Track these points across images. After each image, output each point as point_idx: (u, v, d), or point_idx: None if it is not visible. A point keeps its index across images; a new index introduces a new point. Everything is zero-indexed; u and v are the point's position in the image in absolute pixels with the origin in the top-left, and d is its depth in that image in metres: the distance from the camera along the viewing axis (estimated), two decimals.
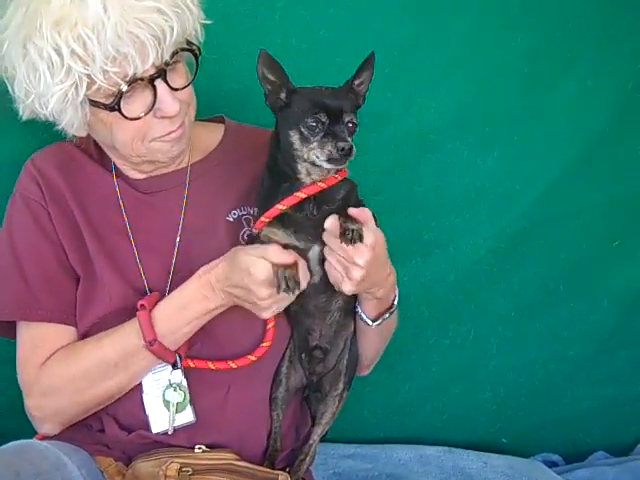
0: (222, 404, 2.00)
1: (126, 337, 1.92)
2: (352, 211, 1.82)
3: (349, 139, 1.79)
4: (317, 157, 1.80)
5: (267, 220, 1.87)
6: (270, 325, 1.98)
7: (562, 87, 2.54)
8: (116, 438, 1.99)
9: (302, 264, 1.85)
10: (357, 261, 1.82)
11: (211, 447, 1.98)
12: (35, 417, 1.99)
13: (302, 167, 1.85)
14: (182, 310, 1.92)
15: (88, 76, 1.75)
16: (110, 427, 2.00)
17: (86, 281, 1.98)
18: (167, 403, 1.97)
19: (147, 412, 1.97)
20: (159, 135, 1.89)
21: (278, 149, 1.89)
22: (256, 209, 1.98)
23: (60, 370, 1.94)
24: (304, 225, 1.87)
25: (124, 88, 1.78)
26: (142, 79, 1.79)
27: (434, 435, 2.74)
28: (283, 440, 2.10)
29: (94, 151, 2.08)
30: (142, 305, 1.91)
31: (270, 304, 1.86)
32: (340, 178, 1.88)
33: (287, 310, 1.99)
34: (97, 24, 1.71)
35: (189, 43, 1.88)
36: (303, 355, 2.10)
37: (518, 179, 2.57)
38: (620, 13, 2.52)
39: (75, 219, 2.00)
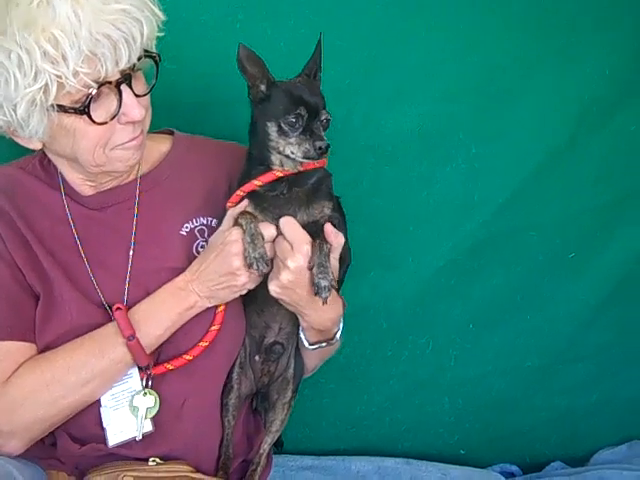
0: (177, 414, 1.99)
1: (103, 339, 1.92)
2: (328, 228, 1.89)
3: (324, 137, 1.86)
4: (293, 152, 1.88)
5: (242, 194, 1.95)
6: (214, 327, 1.98)
7: (519, 102, 2.57)
8: (69, 452, 1.97)
9: (269, 245, 1.91)
10: (288, 263, 1.87)
11: (165, 459, 1.98)
12: (2, 433, 1.91)
13: (276, 158, 1.93)
14: (158, 309, 1.94)
15: (59, 78, 1.73)
16: (63, 440, 1.97)
17: (45, 298, 1.96)
18: (135, 409, 1.95)
19: (105, 425, 1.95)
20: (121, 142, 1.88)
21: (254, 138, 1.96)
22: (210, 218, 2.05)
23: (31, 379, 1.90)
24: (273, 204, 1.93)
25: (93, 92, 1.77)
26: (110, 83, 1.79)
27: (393, 447, 2.75)
28: (235, 449, 2.10)
29: (40, 171, 2.06)
30: (118, 307, 1.92)
31: (246, 274, 1.91)
32: (317, 165, 1.94)
33: (245, 306, 2.05)
34: (69, 25, 1.70)
35: (147, 50, 1.87)
36: (257, 357, 2.11)
37: (476, 192, 2.60)
38: (577, 28, 2.56)
39: (26, 238, 1.98)
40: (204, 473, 1.99)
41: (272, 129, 1.90)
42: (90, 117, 1.79)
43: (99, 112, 1.81)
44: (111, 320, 1.95)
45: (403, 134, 2.53)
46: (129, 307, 1.95)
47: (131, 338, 1.89)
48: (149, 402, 1.96)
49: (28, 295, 1.96)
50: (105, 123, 1.82)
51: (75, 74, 1.73)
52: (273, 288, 1.92)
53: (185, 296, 1.95)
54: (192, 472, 1.97)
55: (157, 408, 1.96)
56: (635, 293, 2.78)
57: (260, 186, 1.94)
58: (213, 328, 1.98)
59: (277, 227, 1.91)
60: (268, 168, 1.94)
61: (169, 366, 1.96)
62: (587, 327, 2.77)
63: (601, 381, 2.84)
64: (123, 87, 1.82)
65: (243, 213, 1.92)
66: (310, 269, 1.89)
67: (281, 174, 1.92)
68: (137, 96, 1.85)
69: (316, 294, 1.88)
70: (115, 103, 1.83)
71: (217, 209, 2.06)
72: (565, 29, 2.55)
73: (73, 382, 1.90)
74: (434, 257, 2.62)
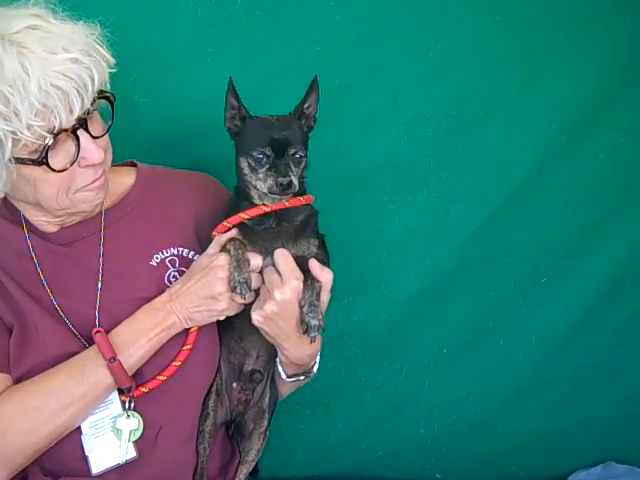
0: (153, 441, 2.00)
1: (83, 363, 1.92)
2: (312, 263, 1.93)
3: (292, 173, 1.89)
4: (261, 187, 1.92)
5: (229, 225, 1.97)
6: (187, 347, 2.00)
7: (489, 129, 2.60)
8: None
9: (255, 275, 1.94)
10: (275, 294, 1.90)
11: None
12: None
13: (254, 193, 1.97)
14: (136, 331, 1.95)
15: (13, 134, 1.73)
16: (34, 475, 1.97)
17: (19, 328, 1.96)
18: (118, 432, 1.96)
19: (87, 453, 1.95)
20: (83, 185, 1.89)
21: (236, 172, 2.00)
22: (181, 248, 2.08)
23: (10, 408, 1.89)
24: (262, 237, 1.96)
25: (49, 141, 1.77)
26: (66, 130, 1.79)
27: (369, 472, 2.77)
28: (210, 474, 2.10)
29: (3, 209, 2.05)
30: (98, 330, 1.94)
31: (227, 300, 1.94)
32: (304, 202, 1.99)
33: (221, 335, 2.07)
34: (17, 81, 1.70)
35: (102, 91, 1.87)
36: (234, 384, 2.12)
37: (448, 218, 2.63)
38: (545, 57, 2.59)
39: None
40: None
41: (244, 164, 1.96)
42: (49, 166, 1.79)
43: (58, 159, 1.81)
44: (85, 347, 1.96)
45: (374, 162, 2.57)
46: (107, 331, 1.96)
47: (112, 360, 1.90)
48: (132, 424, 1.97)
49: (0, 326, 1.96)
50: (65, 170, 1.82)
51: (29, 128, 1.73)
52: (256, 317, 1.94)
53: (163, 317, 1.96)
54: None
55: (141, 430, 1.97)
56: (606, 315, 2.81)
57: (247, 219, 1.96)
58: (185, 347, 2.00)
59: (263, 259, 1.94)
60: (252, 203, 1.97)
61: (143, 389, 1.97)
62: (560, 351, 2.80)
63: (576, 403, 2.86)
64: (80, 132, 1.82)
65: (232, 239, 1.94)
66: (301, 307, 1.92)
67: (268, 209, 1.95)
68: (95, 138, 1.86)
69: (305, 332, 1.91)
70: (73, 148, 1.82)
71: (186, 239, 2.10)
72: (533, 58, 2.58)
73: (54, 407, 1.90)
74: (407, 283, 2.65)
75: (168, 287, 2.03)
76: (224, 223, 1.98)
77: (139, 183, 2.15)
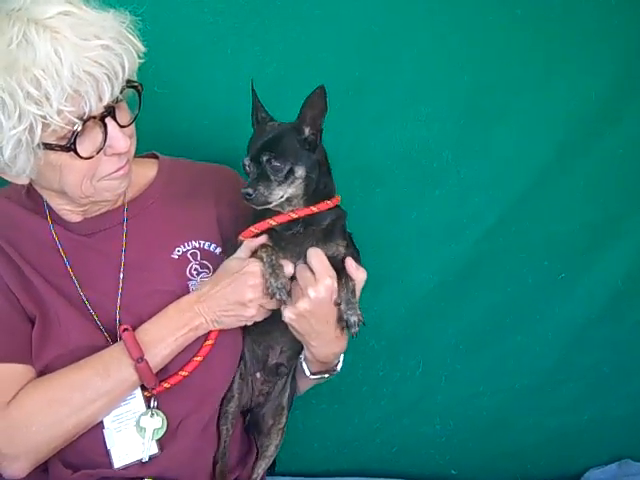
0: (173, 434, 1.99)
1: (110, 360, 1.93)
2: (349, 262, 1.94)
3: (261, 184, 1.85)
4: None
5: (256, 231, 1.96)
6: (208, 342, 2.00)
7: (507, 124, 2.59)
8: (60, 477, 1.96)
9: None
10: (309, 292, 1.89)
11: (159, 479, 1.98)
12: (6, 456, 1.90)
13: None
14: (164, 330, 1.95)
15: (43, 118, 1.73)
16: (54, 467, 1.97)
17: (41, 320, 1.96)
18: (142, 430, 1.97)
19: (108, 447, 1.96)
20: (108, 173, 1.89)
21: None
22: (202, 241, 2.07)
23: (34, 401, 1.90)
24: (291, 242, 1.95)
25: (78, 128, 1.77)
26: (95, 117, 1.79)
27: (384, 467, 2.76)
28: (229, 463, 2.11)
29: (26, 200, 2.06)
30: (125, 328, 1.94)
31: (256, 307, 1.94)
32: (332, 205, 1.97)
33: (244, 328, 2.05)
34: (50, 65, 1.70)
35: (130, 80, 1.88)
36: (258, 374, 2.12)
37: (465, 214, 2.62)
38: (564, 51, 2.58)
39: (17, 264, 1.98)
40: None
41: None
42: (76, 153, 1.80)
43: (85, 146, 1.81)
44: (107, 340, 1.97)
45: (392, 156, 2.56)
46: (132, 328, 1.96)
47: (140, 360, 1.91)
48: (156, 423, 1.98)
49: (22, 318, 1.96)
50: (91, 157, 1.83)
51: (59, 113, 1.73)
52: (289, 315, 1.93)
53: (191, 317, 1.96)
54: None
55: (164, 429, 1.98)
56: (623, 312, 2.80)
57: (275, 226, 1.95)
58: (207, 343, 2.00)
59: (294, 265, 1.93)
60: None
61: (166, 384, 1.97)
62: (577, 347, 2.79)
63: (591, 401, 2.85)
64: (107, 120, 1.82)
65: (264, 246, 1.93)
66: (338, 305, 1.93)
67: (295, 216, 1.93)
68: (122, 127, 1.86)
69: (344, 329, 1.94)
70: (100, 136, 1.83)
71: (207, 232, 2.09)
72: (552, 52, 2.57)
73: (77, 401, 1.91)
74: (424, 279, 2.64)
75: (189, 280, 2.04)
76: (251, 229, 1.96)
77: (161, 175, 2.16)
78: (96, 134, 1.83)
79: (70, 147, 1.79)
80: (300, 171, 1.89)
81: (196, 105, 2.39)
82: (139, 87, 1.91)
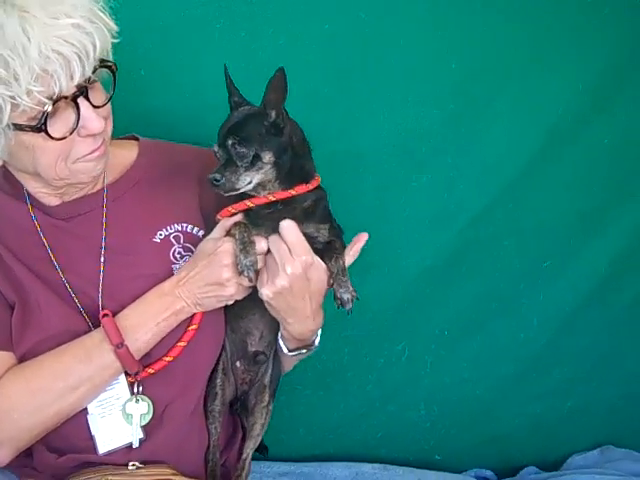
0: (159, 419, 1.98)
1: (90, 346, 1.90)
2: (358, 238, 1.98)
3: (228, 170, 1.81)
4: None
5: (233, 211, 1.92)
6: (192, 327, 1.97)
7: (495, 111, 2.58)
8: (45, 462, 1.96)
9: (261, 257, 1.90)
10: (287, 269, 1.87)
11: (146, 463, 1.97)
12: None
13: None
14: (144, 315, 1.92)
15: (12, 98, 1.69)
16: (38, 452, 1.96)
17: (21, 306, 1.93)
18: (128, 417, 1.95)
19: (93, 433, 1.94)
20: (83, 154, 1.85)
21: None
22: (185, 224, 2.05)
23: (17, 388, 1.87)
24: (267, 219, 1.91)
25: (49, 108, 1.73)
26: (66, 97, 1.76)
27: (369, 453, 2.76)
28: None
29: (4, 184, 2.02)
30: (105, 314, 1.90)
31: (235, 286, 1.91)
32: (310, 187, 1.93)
33: (225, 312, 2.04)
34: (18, 45, 1.67)
35: (103, 60, 1.83)
36: (238, 363, 2.10)
37: (453, 200, 2.61)
38: (553, 41, 2.58)
39: None
40: (187, 477, 1.99)
41: None
42: (47, 133, 1.76)
43: (57, 127, 1.78)
44: (89, 325, 1.94)
45: (379, 142, 2.54)
46: (114, 313, 1.94)
47: (120, 346, 1.88)
48: (142, 408, 1.96)
49: (2, 304, 1.93)
50: (64, 138, 1.79)
51: (28, 93, 1.69)
52: (265, 292, 1.90)
53: (172, 301, 1.94)
54: (174, 474, 1.96)
55: (151, 414, 1.96)
56: (609, 299, 2.82)
57: (252, 207, 1.91)
58: (191, 328, 1.97)
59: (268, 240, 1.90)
60: None
61: (150, 370, 1.95)
62: (562, 334, 2.80)
63: (576, 387, 2.87)
64: (80, 100, 1.78)
65: (237, 224, 1.91)
66: (331, 286, 1.92)
67: (273, 198, 1.89)
68: (95, 107, 1.82)
69: (339, 307, 1.91)
70: (73, 117, 1.78)
71: (190, 215, 2.07)
72: (541, 42, 2.56)
73: (60, 389, 1.88)
74: (410, 264, 2.64)
75: (173, 263, 2.02)
76: (228, 208, 1.93)
77: (142, 157, 2.11)
78: (69, 115, 1.78)
79: (40, 128, 1.75)
80: (267, 156, 1.85)
81: (182, 89, 2.37)
82: (113, 67, 1.86)
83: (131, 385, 1.97)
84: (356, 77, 2.49)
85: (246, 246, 1.87)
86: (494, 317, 2.74)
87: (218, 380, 2.08)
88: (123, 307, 1.95)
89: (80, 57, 1.72)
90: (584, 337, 2.82)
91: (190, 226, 2.07)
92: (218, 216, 1.96)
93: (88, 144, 1.85)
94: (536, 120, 2.62)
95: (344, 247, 1.98)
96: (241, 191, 1.86)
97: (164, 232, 2.05)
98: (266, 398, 2.16)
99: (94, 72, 1.79)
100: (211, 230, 1.98)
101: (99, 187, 2.04)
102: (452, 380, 2.77)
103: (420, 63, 2.51)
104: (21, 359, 1.93)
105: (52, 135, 1.76)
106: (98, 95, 1.85)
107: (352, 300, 1.92)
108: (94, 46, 1.75)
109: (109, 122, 1.91)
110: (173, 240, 2.05)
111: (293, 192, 1.91)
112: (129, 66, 1.94)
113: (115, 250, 2.00)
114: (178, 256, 2.04)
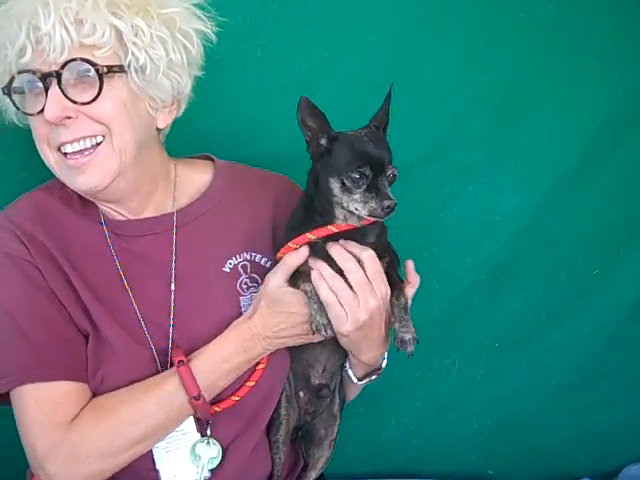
0: (223, 458, 1.94)
1: (169, 394, 1.84)
2: (411, 267, 1.91)
3: (391, 195, 1.77)
4: (357, 209, 1.77)
5: (294, 247, 1.85)
6: (260, 366, 1.93)
7: (536, 122, 2.57)
8: None
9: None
10: (370, 302, 1.81)
11: None
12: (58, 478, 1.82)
13: (340, 212, 1.84)
14: (222, 364, 1.87)
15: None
16: None
17: (94, 337, 1.87)
18: (196, 457, 1.90)
19: (157, 467, 1.91)
20: (58, 142, 1.80)
21: (316, 190, 1.86)
22: (254, 254, 2.00)
23: (98, 432, 1.82)
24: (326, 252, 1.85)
25: (15, 75, 1.77)
26: (34, 73, 1.75)
27: (421, 468, 2.74)
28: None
29: (74, 197, 1.96)
30: (181, 361, 1.84)
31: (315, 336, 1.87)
32: (374, 220, 1.85)
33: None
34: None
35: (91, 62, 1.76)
36: (301, 393, 2.06)
37: (498, 211, 2.60)
38: (592, 47, 2.56)
39: (65, 272, 1.88)
40: None
41: (335, 185, 1.79)
42: (13, 102, 1.81)
43: (31, 104, 1.80)
44: (157, 362, 1.89)
45: (423, 153, 2.53)
46: (178, 346, 1.88)
47: (197, 397, 1.83)
48: (213, 452, 1.92)
49: (75, 332, 1.87)
50: (31, 114, 1.80)
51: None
52: (347, 328, 1.82)
53: (251, 347, 1.89)
54: None
55: (220, 458, 1.92)
56: None
57: (315, 240, 1.84)
58: (259, 367, 1.93)
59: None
60: (329, 221, 1.84)
61: (216, 408, 1.90)
62: (612, 344, 2.77)
63: (628, 397, 2.84)
64: (52, 83, 1.75)
65: (306, 278, 1.83)
66: (392, 324, 1.87)
67: (336, 230, 1.83)
68: (69, 98, 1.76)
69: (399, 349, 1.86)
70: (44, 99, 1.77)
71: (261, 244, 2.01)
72: (580, 51, 2.55)
73: (137, 435, 1.84)
74: (457, 277, 2.62)
75: (240, 295, 1.96)
76: (289, 245, 1.86)
77: (216, 182, 2.05)
78: (42, 98, 1.77)
79: (4, 91, 1.80)
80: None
81: (226, 110, 2.34)
82: (99, 68, 1.76)
83: (197, 421, 1.92)
84: (397, 89, 2.43)
85: (320, 306, 1.82)
86: (543, 328, 2.71)
87: (282, 410, 2.04)
88: (192, 342, 1.89)
89: (49, 38, 1.71)
90: (635, 346, 2.78)
91: (259, 256, 2.01)
92: (278, 254, 1.88)
93: (59, 133, 1.79)
94: (576, 130, 2.60)
95: (401, 279, 1.92)
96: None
97: (234, 261, 1.99)
98: (336, 430, 2.12)
99: (67, 66, 1.75)
100: (274, 264, 1.90)
101: (170, 210, 1.98)
102: (503, 393, 2.74)
103: (461, 74, 2.50)
104: (94, 391, 1.87)
105: (19, 107, 1.81)
106: (86, 92, 1.78)
107: (413, 342, 1.87)
108: (69, 32, 1.72)
109: (90, 124, 1.80)
110: (241, 269, 1.99)
111: (357, 224, 1.85)
112: None
113: (185, 278, 1.94)
114: (245, 287, 1.98)
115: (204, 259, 1.98)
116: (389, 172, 1.79)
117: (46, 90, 1.76)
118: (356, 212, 1.78)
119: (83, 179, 1.83)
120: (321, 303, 1.82)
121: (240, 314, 1.95)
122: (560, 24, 2.52)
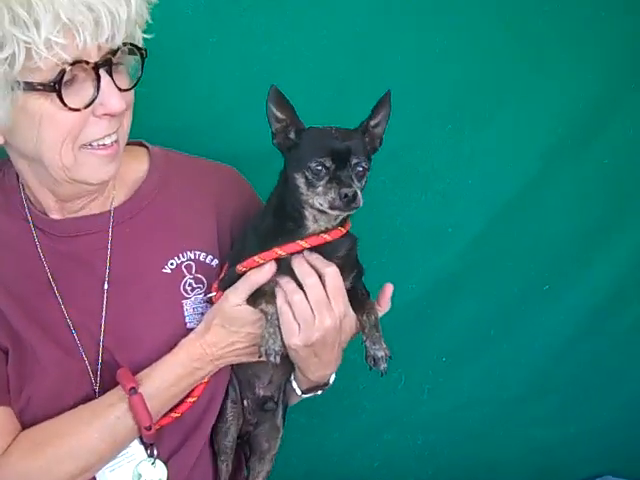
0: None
1: (114, 424, 1.73)
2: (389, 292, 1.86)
3: (355, 185, 1.69)
4: (321, 204, 1.69)
5: (260, 261, 1.74)
6: (202, 382, 1.83)
7: (494, 130, 2.54)
8: None
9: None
10: (326, 320, 1.72)
11: None
12: None
13: (309, 213, 1.74)
14: (170, 388, 1.77)
15: (27, 44, 1.48)
16: None
17: (15, 353, 1.74)
18: (139, 476, 1.80)
19: None
20: (95, 138, 1.63)
21: (286, 191, 1.77)
22: (198, 252, 1.88)
23: (33, 469, 1.71)
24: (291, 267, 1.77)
25: (67, 68, 1.52)
26: (87, 63, 1.55)
27: None
28: None
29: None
30: (132, 388, 1.72)
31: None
32: (344, 231, 1.79)
33: None
34: None
35: (134, 45, 1.65)
36: (245, 402, 1.98)
37: (450, 223, 2.56)
38: (552, 56, 2.54)
39: None
40: None
41: (300, 180, 1.71)
42: (61, 98, 1.54)
43: (73, 98, 1.57)
44: (87, 367, 1.77)
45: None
46: (105, 352, 1.77)
47: (149, 428, 1.73)
48: (158, 473, 1.81)
49: None
50: (78, 110, 1.58)
51: (48, 44, 1.49)
52: (296, 343, 1.73)
53: (200, 369, 1.79)
54: None
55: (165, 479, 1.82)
56: (609, 323, 2.78)
57: (283, 256, 1.75)
58: (202, 382, 1.84)
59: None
60: (300, 224, 1.75)
61: (156, 426, 1.78)
62: (562, 358, 2.76)
63: (575, 412, 2.83)
64: (102, 72, 1.58)
65: (268, 298, 1.74)
66: (363, 342, 1.81)
67: (307, 245, 1.74)
68: (119, 89, 1.62)
69: (372, 367, 1.80)
70: (92, 91, 1.58)
71: (205, 240, 1.89)
72: (539, 60, 2.53)
73: (78, 467, 1.73)
74: (407, 289, 2.56)
75: (184, 298, 1.84)
76: (255, 258, 1.74)
77: (154, 172, 1.90)
78: (87, 87, 1.59)
79: (54, 87, 1.53)
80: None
81: (174, 106, 2.26)
82: (144, 52, 1.67)
83: (146, 448, 1.81)
84: (353, 92, 2.41)
85: (276, 330, 1.74)
86: (493, 342, 2.69)
87: (229, 415, 1.95)
88: (124, 347, 1.78)
89: (111, 17, 1.54)
90: (585, 361, 2.78)
91: (204, 254, 1.88)
92: (240, 267, 1.76)
93: (101, 127, 1.63)
94: (535, 140, 2.57)
95: (368, 294, 1.86)
96: (352, 212, 1.74)
97: (175, 261, 1.85)
98: (278, 444, 2.05)
99: (124, 46, 1.61)
100: (230, 280, 1.78)
101: (106, 209, 1.84)
102: (450, 407, 2.71)
103: (417, 80, 2.45)
104: (21, 412, 1.75)
105: (66, 102, 1.56)
106: (122, 79, 1.65)
107: (386, 359, 1.81)
108: (126, 10, 1.56)
109: (128, 113, 1.70)
110: (185, 270, 1.86)
111: (327, 237, 1.76)
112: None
113: (119, 282, 1.80)
114: (189, 289, 1.85)
115: (142, 260, 1.84)
116: (354, 162, 1.70)
117: (99, 80, 1.59)
118: (320, 207, 1.69)
119: (110, 168, 1.70)
120: (276, 331, 1.73)
121: (183, 318, 1.84)
122: (519, 32, 2.50)
